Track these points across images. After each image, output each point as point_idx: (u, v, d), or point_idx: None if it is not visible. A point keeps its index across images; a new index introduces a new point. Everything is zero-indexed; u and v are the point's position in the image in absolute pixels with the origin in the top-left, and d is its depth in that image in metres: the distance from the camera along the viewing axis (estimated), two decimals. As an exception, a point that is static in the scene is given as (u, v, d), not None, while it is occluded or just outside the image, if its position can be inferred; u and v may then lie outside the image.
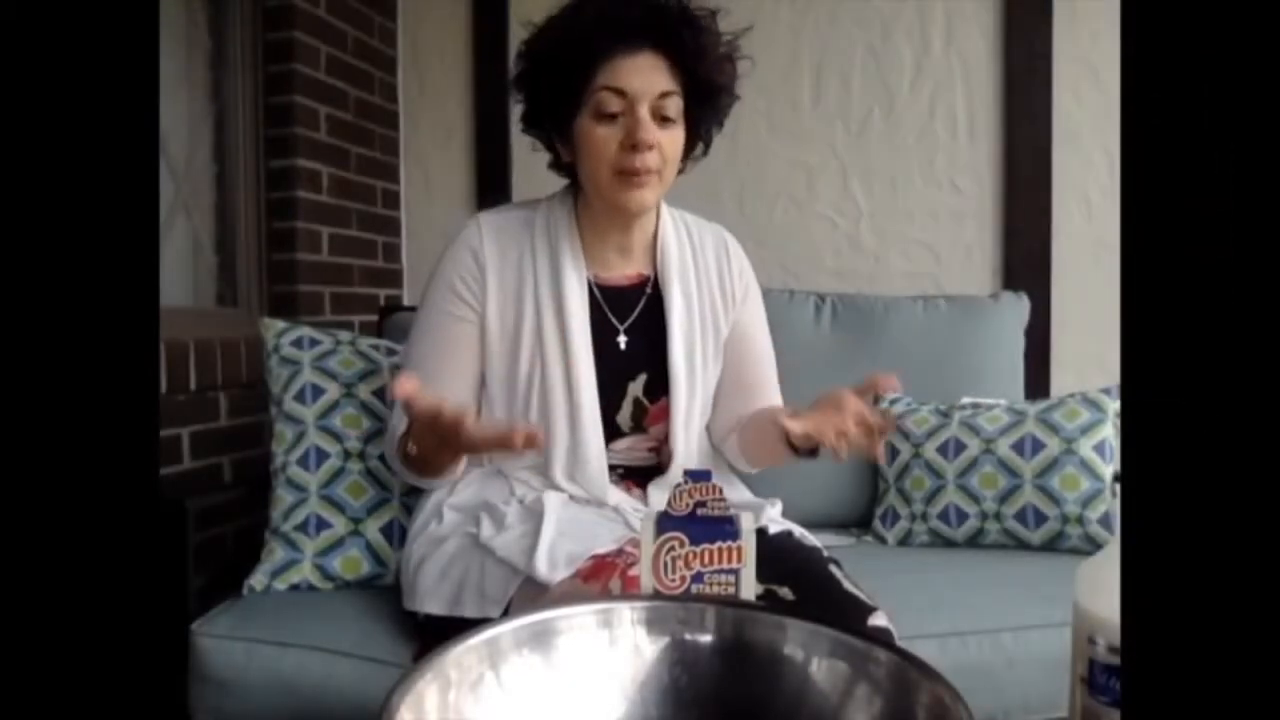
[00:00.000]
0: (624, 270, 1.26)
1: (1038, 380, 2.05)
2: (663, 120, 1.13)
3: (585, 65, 1.12)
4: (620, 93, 1.12)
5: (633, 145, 1.11)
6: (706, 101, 1.19)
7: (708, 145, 1.27)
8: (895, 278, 2.21)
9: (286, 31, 2.02)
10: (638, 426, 1.24)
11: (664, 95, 1.13)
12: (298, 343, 1.43)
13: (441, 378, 1.18)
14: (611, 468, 1.22)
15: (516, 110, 1.25)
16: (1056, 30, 2.12)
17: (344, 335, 1.49)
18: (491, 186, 2.39)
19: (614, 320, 1.24)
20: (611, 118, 1.12)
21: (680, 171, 1.24)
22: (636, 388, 1.23)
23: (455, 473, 1.20)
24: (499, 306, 1.20)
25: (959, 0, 2.17)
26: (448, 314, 1.21)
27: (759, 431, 1.24)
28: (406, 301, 2.43)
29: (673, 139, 1.15)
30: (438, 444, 1.05)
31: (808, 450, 1.14)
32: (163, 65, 1.84)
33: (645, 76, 1.12)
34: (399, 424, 1.18)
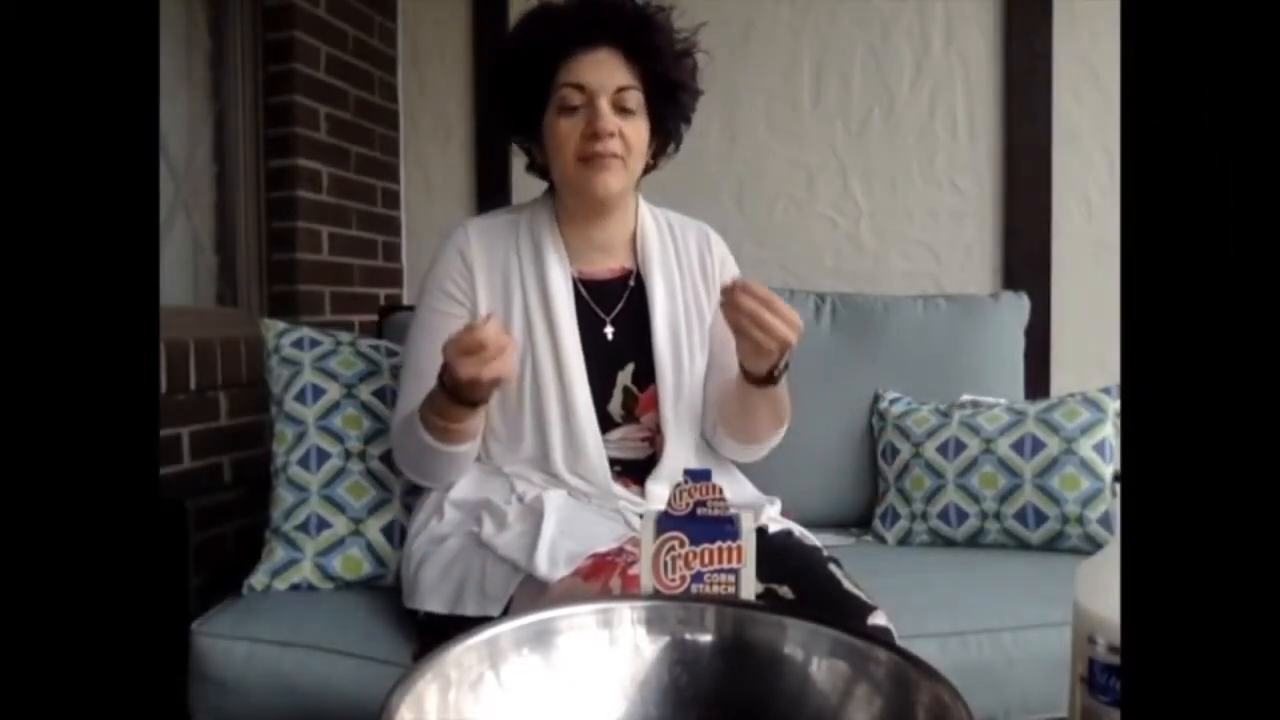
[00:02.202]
0: (606, 264, 1.29)
1: (1038, 380, 2.05)
2: (622, 111, 1.19)
3: (548, 65, 1.19)
4: (580, 88, 1.17)
5: (593, 133, 1.16)
6: (667, 96, 1.23)
7: (678, 143, 1.31)
8: (895, 277, 2.21)
9: (286, 31, 2.02)
10: (629, 416, 1.26)
11: (622, 89, 1.18)
12: (298, 343, 1.43)
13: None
14: (609, 462, 1.22)
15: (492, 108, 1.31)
16: (1056, 30, 2.12)
17: (344, 336, 1.49)
18: (491, 186, 2.39)
19: (599, 312, 1.27)
20: (573, 110, 1.18)
21: (652, 168, 1.29)
22: (625, 376, 1.25)
23: (474, 433, 1.18)
24: (488, 303, 1.24)
25: (959, 0, 2.17)
26: (441, 313, 1.24)
27: (726, 392, 1.26)
28: (406, 301, 2.43)
29: (634, 128, 1.20)
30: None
31: (765, 376, 1.15)
32: (163, 65, 1.84)
33: (603, 71, 1.18)
34: (411, 400, 1.20)
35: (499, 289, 1.24)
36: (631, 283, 1.29)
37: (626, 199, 1.28)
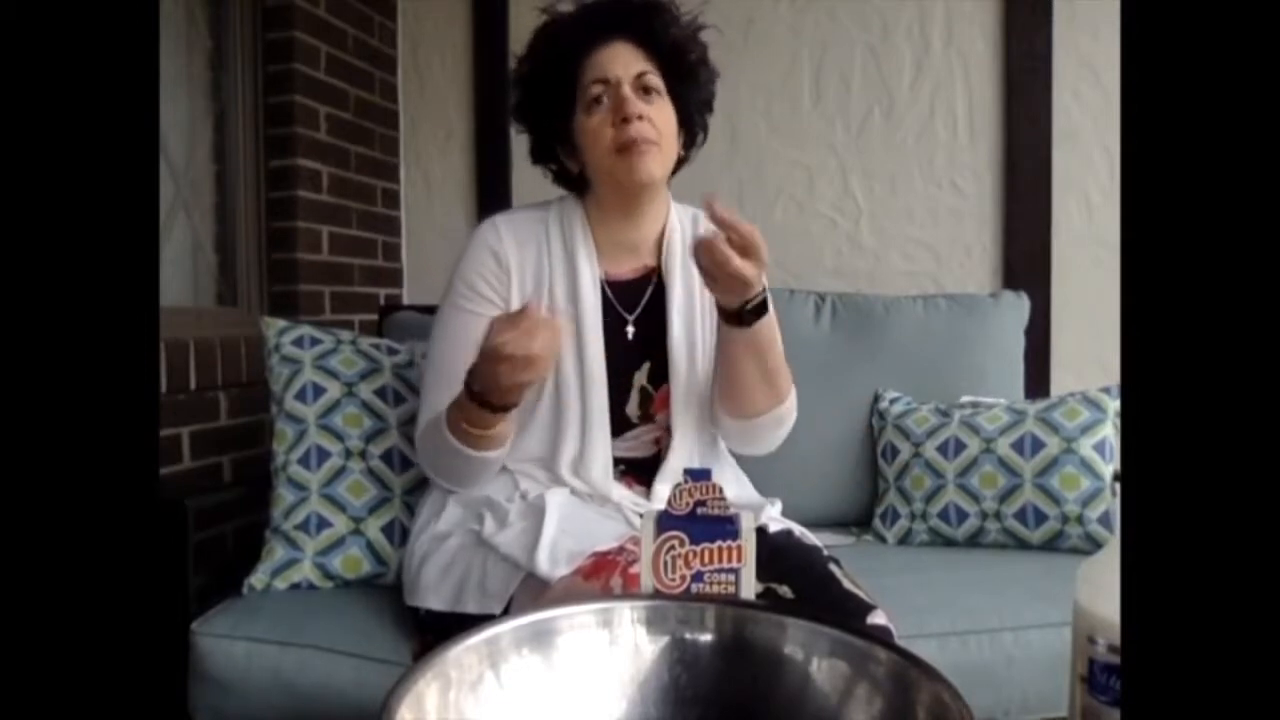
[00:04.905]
0: (631, 264, 1.29)
1: (1038, 380, 2.05)
2: (646, 92, 1.20)
3: (570, 69, 1.21)
4: (604, 81, 1.19)
5: (623, 119, 1.17)
6: (686, 77, 1.25)
7: (705, 131, 1.31)
8: (895, 277, 2.21)
9: (286, 31, 2.02)
10: (645, 415, 1.25)
11: (642, 74, 1.20)
12: (299, 342, 1.43)
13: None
14: (615, 461, 1.22)
15: (516, 125, 1.31)
16: (1056, 30, 2.12)
17: (345, 334, 1.49)
18: (491, 186, 2.39)
19: (622, 312, 1.26)
20: (600, 103, 1.19)
21: (684, 160, 1.29)
22: (641, 376, 1.25)
23: (504, 440, 1.16)
24: (520, 302, 1.22)
25: (959, 0, 2.17)
26: (471, 313, 1.22)
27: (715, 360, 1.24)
28: (406, 301, 2.43)
29: (660, 111, 1.21)
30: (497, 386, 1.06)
31: (740, 312, 1.12)
32: (163, 65, 1.84)
33: (621, 60, 1.20)
34: (438, 404, 1.17)
35: (531, 289, 1.23)
36: (654, 281, 1.28)
37: (661, 192, 1.27)
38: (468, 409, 1.10)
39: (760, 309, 1.13)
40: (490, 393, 1.07)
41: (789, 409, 1.26)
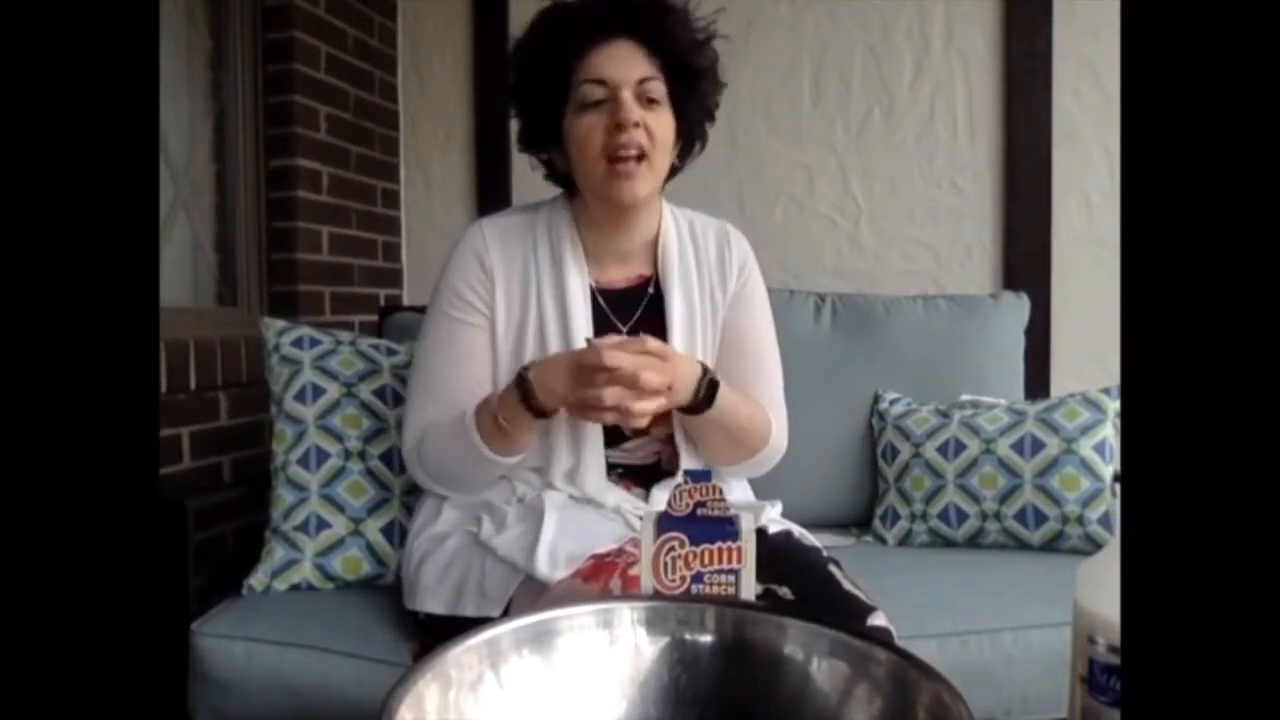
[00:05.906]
0: (625, 272, 1.26)
1: (1038, 380, 2.05)
2: (648, 102, 1.15)
3: (565, 64, 1.15)
4: (601, 82, 1.13)
5: (618, 125, 1.12)
6: (688, 86, 1.19)
7: (704, 140, 1.27)
8: (895, 277, 2.21)
9: (286, 31, 2.03)
10: (640, 430, 1.23)
11: (644, 80, 1.14)
12: (298, 342, 1.43)
13: (457, 388, 1.18)
14: (611, 466, 1.21)
15: (515, 124, 1.27)
16: (1056, 30, 2.12)
17: (344, 335, 1.49)
18: (491, 186, 2.39)
19: (616, 322, 1.23)
20: (595, 106, 1.14)
21: (678, 170, 1.25)
22: None
23: (524, 448, 1.17)
24: (505, 311, 1.21)
25: (959, 0, 2.17)
26: (459, 321, 1.21)
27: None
28: (406, 301, 2.43)
29: (659, 120, 1.15)
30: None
31: (693, 404, 1.15)
32: (163, 65, 1.84)
33: (623, 63, 1.14)
34: (424, 415, 1.19)
35: (517, 298, 1.21)
36: (650, 290, 1.25)
37: (652, 202, 1.23)
38: (510, 408, 1.10)
39: (710, 392, 1.14)
40: (540, 387, 1.09)
41: (766, 455, 1.26)
